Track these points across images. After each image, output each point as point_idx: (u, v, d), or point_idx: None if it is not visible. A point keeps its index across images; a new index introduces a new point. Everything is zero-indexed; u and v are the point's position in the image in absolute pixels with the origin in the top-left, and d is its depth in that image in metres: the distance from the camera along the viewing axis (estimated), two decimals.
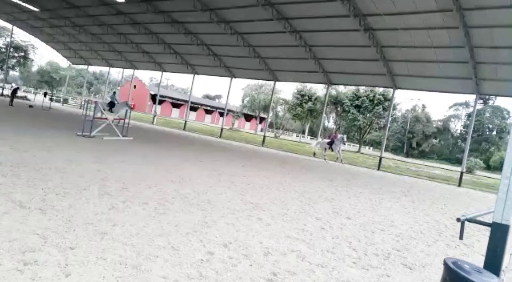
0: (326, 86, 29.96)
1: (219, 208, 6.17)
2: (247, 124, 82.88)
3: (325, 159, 23.24)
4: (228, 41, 26.55)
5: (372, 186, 13.58)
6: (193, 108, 72.02)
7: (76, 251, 3.49)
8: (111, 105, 22.24)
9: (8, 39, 47.14)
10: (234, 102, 79.28)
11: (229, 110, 60.34)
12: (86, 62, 46.77)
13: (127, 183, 6.80)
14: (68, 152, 9.50)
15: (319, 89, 57.35)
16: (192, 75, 35.23)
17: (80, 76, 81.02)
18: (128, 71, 48.81)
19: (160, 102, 62.20)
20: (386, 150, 39.95)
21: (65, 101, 50.54)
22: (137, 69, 41.71)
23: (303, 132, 77.29)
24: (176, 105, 72.61)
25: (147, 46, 34.01)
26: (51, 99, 38.30)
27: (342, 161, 22.89)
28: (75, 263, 3.23)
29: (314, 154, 24.90)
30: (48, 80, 78.96)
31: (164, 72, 38.77)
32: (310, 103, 56.82)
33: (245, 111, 72.52)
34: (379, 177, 18.09)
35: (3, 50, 48.33)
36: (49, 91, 52.12)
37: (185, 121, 35.59)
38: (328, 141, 23.38)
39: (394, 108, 57.14)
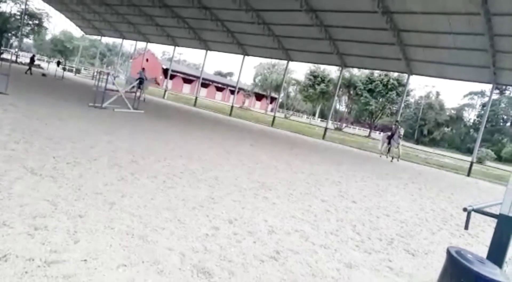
0: (340, 69, 29.51)
1: (226, 185, 6.22)
2: (258, 103, 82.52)
3: (386, 155, 20.05)
4: (243, 18, 26.11)
5: (380, 171, 13.54)
6: (204, 85, 71.76)
7: (85, 219, 3.56)
8: (141, 81, 22.27)
9: (23, 6, 47.04)
10: (245, 81, 78.91)
11: (240, 89, 60.01)
12: (100, 33, 46.60)
13: (137, 156, 6.88)
14: (80, 122, 9.59)
15: (332, 71, 56.56)
16: (204, 51, 34.95)
17: (93, 47, 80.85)
18: (141, 44, 48.48)
19: (172, 77, 61.98)
20: None
21: (78, 71, 50.68)
22: (150, 42, 41.46)
23: (314, 115, 76.81)
24: (187, 80, 72.41)
25: (161, 19, 33.64)
26: (64, 69, 38.36)
27: (399, 158, 19.64)
28: (84, 231, 3.31)
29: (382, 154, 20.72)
30: (61, 49, 79.02)
31: (176, 47, 38.48)
32: (322, 85, 56.17)
33: (256, 90, 72.09)
34: (388, 163, 18.01)
35: (18, 17, 48.24)
36: (62, 61, 52.23)
37: (196, 98, 35.56)
38: (389, 134, 20.07)
39: (408, 94, 56.28)
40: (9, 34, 50.83)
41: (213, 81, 78.28)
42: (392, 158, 19.41)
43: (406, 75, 25.79)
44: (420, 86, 73.26)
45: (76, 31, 54.51)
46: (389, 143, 19.42)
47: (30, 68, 28.24)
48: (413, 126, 73.57)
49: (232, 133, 16.67)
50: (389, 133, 20.07)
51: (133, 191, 4.75)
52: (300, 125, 37.35)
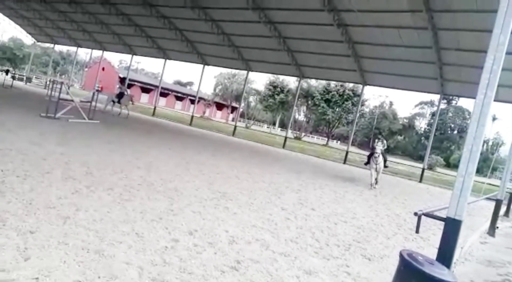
0: (298, 79, 30.20)
1: (186, 196, 6.16)
2: (219, 113, 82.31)
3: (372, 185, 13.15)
4: (202, 28, 26.12)
5: (337, 179, 13.92)
6: (164, 94, 70.56)
7: (37, 235, 3.40)
8: (120, 96, 21.65)
9: None
10: (206, 90, 78.44)
11: (200, 98, 59.68)
12: (53, 40, 44.72)
13: (92, 168, 6.65)
14: (31, 133, 9.14)
15: (291, 82, 57.72)
16: (163, 60, 34.50)
17: (46, 55, 77.46)
18: (97, 53, 47.04)
19: (129, 86, 60.46)
20: (353, 144, 40.93)
21: (29, 80, 48.22)
22: (106, 50, 40.36)
23: (274, 124, 77.72)
24: (145, 90, 70.99)
25: (118, 27, 32.89)
26: (13, 78, 36.46)
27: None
28: (35, 247, 3.16)
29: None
30: (10, 57, 75.04)
31: (134, 56, 37.71)
32: (282, 95, 57.14)
33: (217, 99, 71.97)
34: (345, 171, 18.55)
35: None
36: (11, 69, 49.59)
37: (155, 107, 34.94)
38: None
39: (363, 104, 58.54)
40: None
41: (172, 91, 77.26)
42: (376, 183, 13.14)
43: (361, 86, 26.81)
44: (374, 96, 76.44)
45: (27, 39, 51.86)
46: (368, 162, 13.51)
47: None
48: (368, 135, 76.29)
49: (192, 143, 16.51)
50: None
51: (89, 204, 4.59)
52: (261, 135, 37.66)
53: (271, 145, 27.32)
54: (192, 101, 61.05)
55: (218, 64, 33.18)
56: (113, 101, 21.85)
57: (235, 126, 30.58)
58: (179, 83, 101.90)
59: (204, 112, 68.72)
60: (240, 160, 13.69)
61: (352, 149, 32.27)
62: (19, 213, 3.81)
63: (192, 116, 32.44)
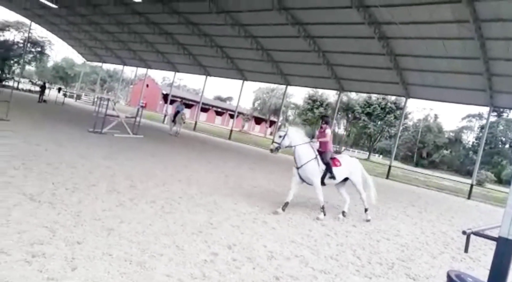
0: (338, 93, 29.88)
1: (225, 210, 6.20)
2: (257, 127, 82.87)
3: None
4: (242, 44, 26.64)
5: (379, 194, 13.48)
6: (204, 109, 72.24)
7: (83, 245, 3.55)
8: (176, 114, 21.51)
9: (26, 35, 47.92)
10: (245, 105, 79.45)
11: (239, 113, 60.46)
12: (101, 59, 47.33)
13: (136, 181, 6.88)
14: (79, 147, 9.63)
15: (330, 95, 57.19)
16: (204, 76, 35.43)
17: (94, 73, 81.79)
18: (142, 70, 49.21)
19: (172, 102, 62.53)
20: (395, 159, 39.63)
21: (78, 97, 51.11)
22: (151, 68, 42.07)
23: (313, 138, 77.02)
24: (187, 105, 72.91)
25: (161, 46, 34.27)
26: (64, 95, 38.73)
27: None
28: (82, 258, 3.29)
29: None
30: (62, 76, 79.89)
31: (177, 73, 39.06)
32: (321, 109, 56.68)
33: (256, 114, 72.60)
34: (388, 186, 17.96)
35: (21, 45, 49.09)
36: (63, 87, 52.78)
37: (195, 122, 35.76)
38: None
39: (406, 117, 56.74)
40: (12, 62, 51.52)
41: (212, 106, 78.85)
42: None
43: (403, 99, 26.08)
44: (418, 109, 73.84)
45: (78, 58, 55.23)
46: None
47: (41, 96, 28.42)
48: (412, 149, 73.66)
49: (231, 157, 16.68)
50: None
51: (132, 217, 4.74)
52: None
53: None
54: (232, 116, 62.00)
55: (257, 79, 33.62)
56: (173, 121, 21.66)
57: (273, 140, 30.57)
58: (219, 98, 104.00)
59: (242, 127, 69.49)
60: (278, 173, 13.63)
61: (395, 163, 31.27)
62: (68, 224, 4.00)
63: (231, 131, 32.85)
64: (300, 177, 7.27)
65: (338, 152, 27.62)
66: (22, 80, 46.60)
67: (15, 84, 40.19)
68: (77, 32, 40.89)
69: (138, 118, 16.90)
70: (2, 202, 4.21)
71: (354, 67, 23.76)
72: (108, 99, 15.86)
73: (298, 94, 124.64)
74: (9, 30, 48.47)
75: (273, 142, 7.57)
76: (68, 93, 46.87)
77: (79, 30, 39.80)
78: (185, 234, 4.54)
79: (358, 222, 7.47)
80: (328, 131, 7.69)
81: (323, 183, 7.33)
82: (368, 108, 52.58)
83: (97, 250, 3.52)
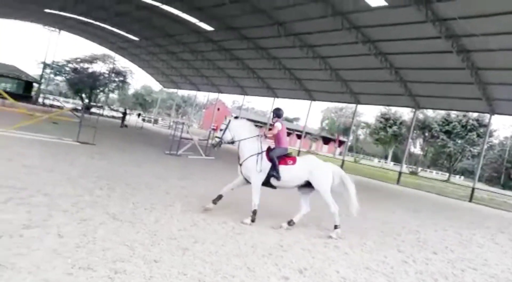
0: (413, 110, 28.45)
1: (295, 232, 6.10)
2: (325, 147, 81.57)
3: None
4: (310, 65, 26.74)
5: (462, 219, 12.37)
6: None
7: (160, 264, 3.69)
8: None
9: (111, 66, 52.95)
10: (312, 125, 78.82)
11: (307, 133, 60.13)
12: (176, 86, 50.52)
13: (208, 201, 7.06)
14: (157, 168, 10.21)
15: (405, 113, 54.75)
16: (272, 98, 36.00)
17: (170, 99, 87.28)
18: (213, 95, 51.61)
19: None
20: (479, 180, 36.30)
21: (156, 121, 54.72)
22: (221, 93, 43.86)
23: (386, 158, 73.76)
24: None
25: (232, 71, 35.66)
26: (143, 120, 41.73)
27: None
28: (159, 276, 3.42)
29: None
30: (141, 102, 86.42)
31: (245, 96, 40.23)
32: (394, 128, 54.31)
33: (324, 134, 71.65)
34: (471, 210, 16.44)
35: (106, 75, 54.23)
36: (142, 113, 56.95)
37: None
38: None
39: (491, 135, 51.97)
40: (98, 90, 57.01)
41: None
42: None
43: (487, 115, 24.03)
44: (504, 126, 67.04)
45: (156, 85, 59.66)
46: None
47: (123, 121, 30.94)
48: (499, 169, 66.99)
49: None
50: None
51: (205, 237, 4.85)
52: (372, 169, 35.96)
53: (383, 180, 25.80)
54: (299, 136, 61.80)
55: (325, 99, 33.35)
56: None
57: (343, 161, 29.83)
58: (286, 119, 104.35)
59: (310, 147, 68.85)
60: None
61: (479, 185, 28.65)
62: (146, 243, 4.21)
63: (299, 151, 32.72)
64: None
65: (414, 173, 25.91)
66: (106, 107, 51.18)
67: (101, 111, 44.22)
68: (155, 61, 44.27)
69: (210, 141, 17.56)
70: (90, 221, 4.57)
71: (430, 83, 22.54)
72: (183, 123, 16.74)
73: (369, 113, 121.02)
74: (96, 62, 53.90)
75: (215, 136, 6.78)
76: (146, 118, 50.36)
77: (157, 59, 43.04)
78: (255, 256, 4.53)
79: (439, 249, 6.88)
80: (278, 124, 6.59)
81: (270, 185, 6.49)
82: (447, 126, 49.20)
83: (173, 269, 3.64)
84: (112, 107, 58.79)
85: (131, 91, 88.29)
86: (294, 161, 6.38)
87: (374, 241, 6.63)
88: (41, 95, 48.39)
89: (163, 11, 27.62)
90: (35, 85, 49.32)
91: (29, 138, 11.05)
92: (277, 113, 6.76)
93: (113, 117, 44.02)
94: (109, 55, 51.55)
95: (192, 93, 58.14)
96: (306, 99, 32.70)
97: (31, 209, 4.54)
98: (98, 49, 51.48)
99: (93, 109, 38.53)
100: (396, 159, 69.03)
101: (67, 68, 52.37)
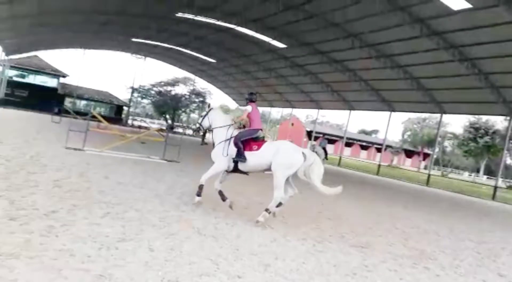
0: (508, 118, 25.80)
1: (380, 252, 5.80)
2: (408, 160, 77.09)
3: None
4: (388, 75, 25.77)
5: None
6: (348, 144, 71.15)
7: (243, 280, 3.74)
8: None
9: (191, 87, 56.37)
10: (392, 137, 75.15)
11: (387, 146, 57.46)
12: None
13: (287, 217, 7.06)
14: (236, 184, 10.47)
15: (498, 122, 49.81)
16: (348, 111, 35.22)
17: None
18: (287, 110, 52.12)
19: (316, 138, 63.67)
20: None
21: None
22: (295, 108, 44.03)
23: (477, 171, 67.37)
24: (331, 141, 73.10)
25: (305, 86, 35.72)
26: None
27: None
28: None
29: None
30: None
31: (320, 110, 39.87)
32: (486, 138, 49.62)
33: (406, 146, 67.84)
34: None
35: (187, 96, 57.73)
36: None
37: (340, 157, 35.35)
38: None
39: None
40: (180, 111, 60.90)
41: (357, 140, 77.12)
42: None
43: None
44: None
45: (232, 104, 62.12)
46: None
47: (203, 139, 32.47)
48: None
49: (381, 194, 15.78)
50: None
51: (286, 253, 4.83)
52: (462, 184, 33.04)
53: (476, 196, 23.55)
54: (379, 150, 59.33)
55: (406, 110, 31.84)
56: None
57: (429, 175, 27.88)
58: (363, 132, 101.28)
59: (391, 161, 65.53)
60: (437, 213, 12.21)
61: None
62: (229, 258, 4.30)
63: (379, 165, 31.31)
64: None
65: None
66: (187, 126, 54.30)
67: (183, 130, 46.91)
68: (231, 81, 46.13)
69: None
70: (176, 235, 4.81)
71: None
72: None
73: (455, 123, 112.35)
74: (178, 85, 57.78)
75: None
76: None
77: (233, 79, 44.81)
78: (338, 275, 4.38)
79: None
80: (248, 107, 6.63)
81: (239, 170, 6.52)
82: None
83: None
84: (190, 126, 62.31)
85: None
86: (260, 146, 6.33)
87: (470, 263, 6.04)
88: (130, 117, 53.01)
89: (238, 32, 28.80)
90: (125, 108, 54.57)
91: (121, 158, 12.07)
92: (250, 97, 6.88)
93: (194, 136, 46.41)
94: (189, 77, 54.99)
95: (266, 110, 59.29)
96: (385, 111, 31.45)
97: (125, 223, 4.91)
98: (180, 73, 55.26)
99: (176, 129, 41.15)
100: (490, 172, 62.71)
101: (152, 92, 56.90)
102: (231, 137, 6.49)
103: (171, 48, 40.73)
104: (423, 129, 61.83)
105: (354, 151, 74.32)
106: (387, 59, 24.15)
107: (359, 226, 7.58)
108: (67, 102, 45.01)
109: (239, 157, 6.31)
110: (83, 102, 49.52)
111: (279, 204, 6.15)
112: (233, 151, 6.40)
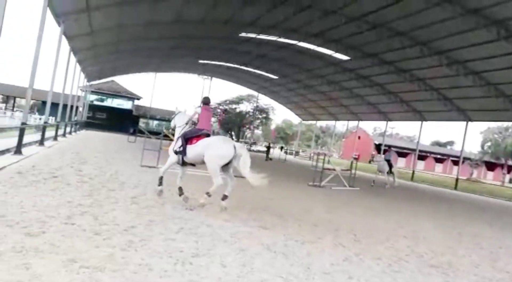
0: None
1: (464, 273, 5.32)
2: (490, 173, 70.77)
3: None
4: (462, 82, 24.15)
5: None
6: (421, 157, 67.19)
7: None
8: (388, 164, 19.34)
9: (255, 104, 57.44)
10: (470, 149, 69.52)
11: (465, 158, 53.34)
12: (315, 118, 51.42)
13: (359, 235, 6.78)
14: (302, 200, 10.35)
15: None
16: (419, 122, 33.44)
17: (309, 130, 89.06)
18: (352, 123, 50.84)
19: (385, 151, 61.05)
20: None
21: (297, 153, 56.31)
22: (361, 120, 42.79)
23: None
24: (402, 154, 69.65)
25: (372, 97, 34.65)
26: (285, 152, 43.31)
27: None
28: None
29: None
30: (283, 136, 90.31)
31: (388, 122, 38.33)
32: None
33: (487, 158, 62.42)
34: None
35: (251, 113, 58.92)
36: (284, 146, 59.47)
37: (413, 171, 33.45)
38: None
39: None
40: (244, 128, 62.32)
41: (431, 153, 72.66)
42: None
43: None
44: None
45: (295, 119, 62.18)
46: None
47: (268, 155, 32.82)
48: None
49: (460, 210, 14.60)
50: None
51: (359, 273, 4.61)
52: None
53: None
54: (455, 162, 55.30)
55: (485, 119, 29.50)
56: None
57: None
58: (437, 144, 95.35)
59: (471, 174, 60.62)
60: None
61: None
62: (300, 276, 4.20)
63: (457, 179, 29.13)
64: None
65: None
66: (252, 142, 55.22)
67: (248, 146, 47.74)
68: (294, 96, 46.23)
69: (353, 171, 17.10)
70: (247, 251, 4.83)
71: None
72: (324, 154, 16.74)
73: None
74: (242, 102, 59.23)
75: None
76: (288, 151, 52.25)
77: (296, 94, 44.86)
78: None
79: None
80: (198, 109, 7.57)
81: (185, 163, 7.30)
82: None
83: None
84: (255, 141, 63.35)
85: (273, 126, 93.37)
86: (197, 140, 7.10)
87: None
88: None
89: (299, 47, 28.92)
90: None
91: (191, 174, 12.55)
92: (204, 101, 7.84)
93: (258, 151, 47.01)
94: (252, 94, 56.17)
95: (330, 123, 58.42)
96: (460, 121, 29.38)
97: (198, 238, 5.03)
98: (243, 90, 56.67)
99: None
100: None
101: (218, 110, 58.92)
102: (182, 135, 7.33)
103: (234, 67, 42.03)
104: (505, 140, 56.48)
105: (428, 164, 70.03)
106: (459, 66, 22.63)
107: (439, 245, 7.05)
108: (141, 123, 48.10)
109: (180, 151, 7.12)
110: (155, 122, 52.80)
111: (225, 197, 6.88)
112: (178, 146, 7.24)
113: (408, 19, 19.65)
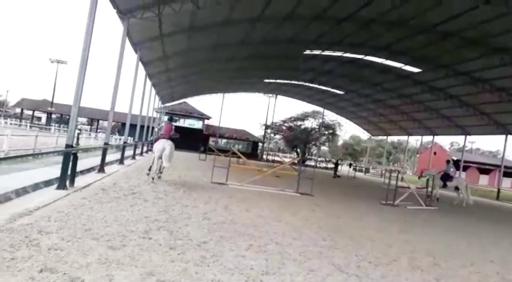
0: None
1: None
2: None
3: None
4: None
5: None
6: (507, 174, 61.02)
7: None
8: (446, 177, 18.32)
9: (321, 120, 56.75)
10: None
11: None
12: (385, 133, 49.36)
13: (438, 258, 6.29)
14: (374, 220, 9.90)
15: None
16: (503, 135, 30.62)
17: (380, 146, 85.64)
18: (427, 138, 47.95)
19: (465, 168, 56.57)
20: None
21: (367, 170, 54.28)
22: (436, 135, 40.28)
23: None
24: (484, 171, 63.96)
25: (447, 110, 32.56)
26: (354, 169, 41.99)
27: None
28: None
29: None
30: (351, 152, 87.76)
31: (467, 136, 35.61)
32: None
33: None
34: None
35: (317, 130, 58.26)
36: (352, 162, 57.79)
37: (498, 189, 30.48)
38: None
39: None
40: (311, 144, 61.68)
41: None
42: None
43: None
44: None
45: (364, 134, 60.18)
46: None
47: (335, 172, 32.16)
48: None
49: None
50: None
51: None
52: None
53: None
54: None
55: None
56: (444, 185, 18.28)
57: None
58: None
59: None
60: None
61: None
62: None
63: None
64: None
65: None
66: (318, 159, 54.36)
67: (314, 163, 47.09)
68: (361, 111, 44.93)
69: (429, 189, 16.03)
70: (317, 271, 4.71)
71: None
72: (398, 171, 15.93)
73: None
74: (308, 119, 58.90)
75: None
76: (357, 168, 50.61)
77: (364, 109, 43.56)
78: None
79: None
80: (162, 124, 12.79)
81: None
82: None
83: None
84: (326, 158, 62.30)
85: (340, 142, 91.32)
86: (156, 141, 12.21)
87: None
88: (265, 152, 55.86)
89: (366, 62, 28.21)
90: (260, 144, 58.09)
91: (258, 191, 12.66)
92: (168, 118, 13.11)
93: (325, 168, 46.15)
94: (318, 111, 55.60)
95: (402, 138, 55.71)
96: None
97: (267, 256, 5.02)
98: (309, 107, 56.39)
99: (308, 162, 41.59)
100: None
101: (284, 127, 59.22)
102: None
103: (299, 84, 42.10)
104: None
105: None
106: None
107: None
108: (211, 141, 50.01)
109: (151, 149, 9.48)
110: (224, 140, 54.96)
111: (160, 173, 11.88)
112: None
113: (482, 26, 18.23)
